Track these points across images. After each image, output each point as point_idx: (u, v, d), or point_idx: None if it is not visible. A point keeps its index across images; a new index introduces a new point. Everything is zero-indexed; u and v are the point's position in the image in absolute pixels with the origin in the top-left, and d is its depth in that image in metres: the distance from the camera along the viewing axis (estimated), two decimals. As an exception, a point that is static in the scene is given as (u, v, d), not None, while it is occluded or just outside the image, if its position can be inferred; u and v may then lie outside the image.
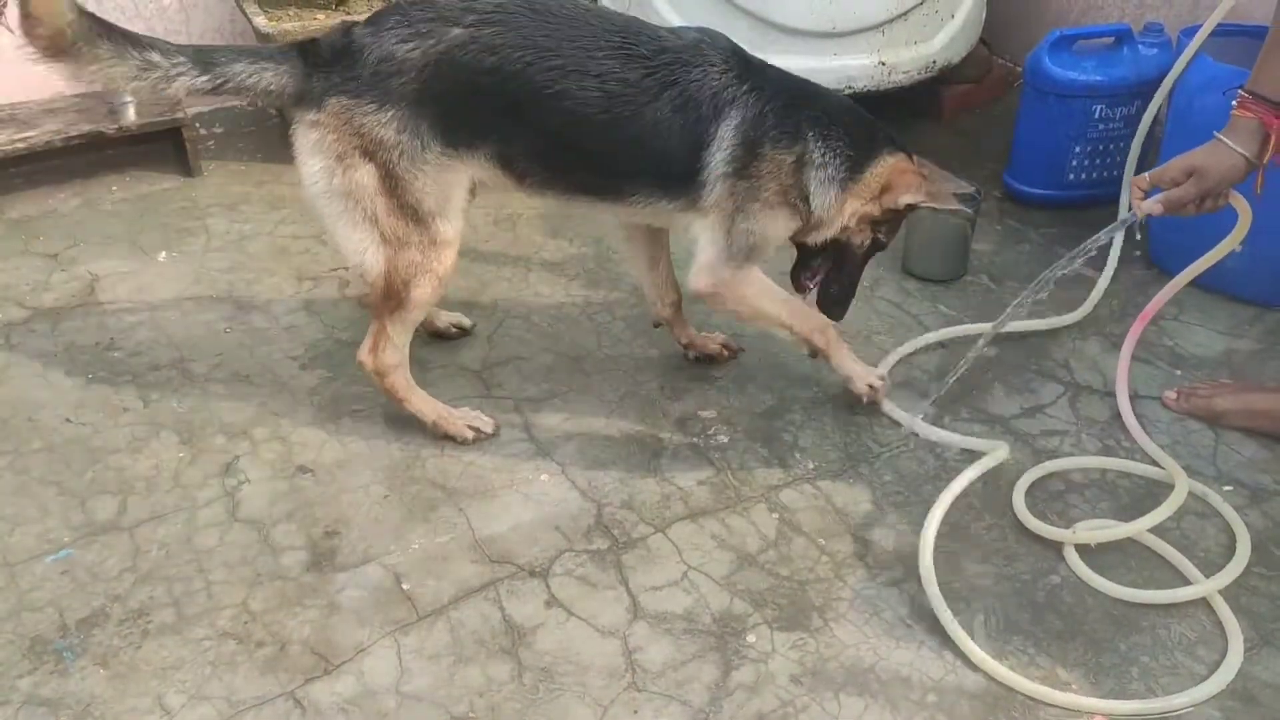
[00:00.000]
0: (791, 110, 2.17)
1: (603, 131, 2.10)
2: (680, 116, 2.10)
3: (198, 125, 3.60)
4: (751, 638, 1.90)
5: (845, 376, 2.40)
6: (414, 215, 2.11)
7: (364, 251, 2.14)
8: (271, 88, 2.05)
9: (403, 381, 2.31)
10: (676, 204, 2.20)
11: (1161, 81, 3.07)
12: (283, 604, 1.95)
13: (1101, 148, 3.15)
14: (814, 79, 3.25)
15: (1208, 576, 1.98)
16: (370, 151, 2.05)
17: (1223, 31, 2.82)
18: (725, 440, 2.35)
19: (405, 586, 1.99)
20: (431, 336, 2.63)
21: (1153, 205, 1.96)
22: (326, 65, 2.05)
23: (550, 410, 2.43)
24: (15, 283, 2.86)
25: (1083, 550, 2.05)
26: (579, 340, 2.67)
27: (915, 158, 2.27)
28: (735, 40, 3.25)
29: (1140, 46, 3.10)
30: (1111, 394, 2.45)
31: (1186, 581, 1.99)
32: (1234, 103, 1.94)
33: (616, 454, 2.31)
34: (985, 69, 3.83)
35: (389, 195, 2.08)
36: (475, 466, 2.27)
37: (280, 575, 2.01)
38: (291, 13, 3.40)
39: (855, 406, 2.43)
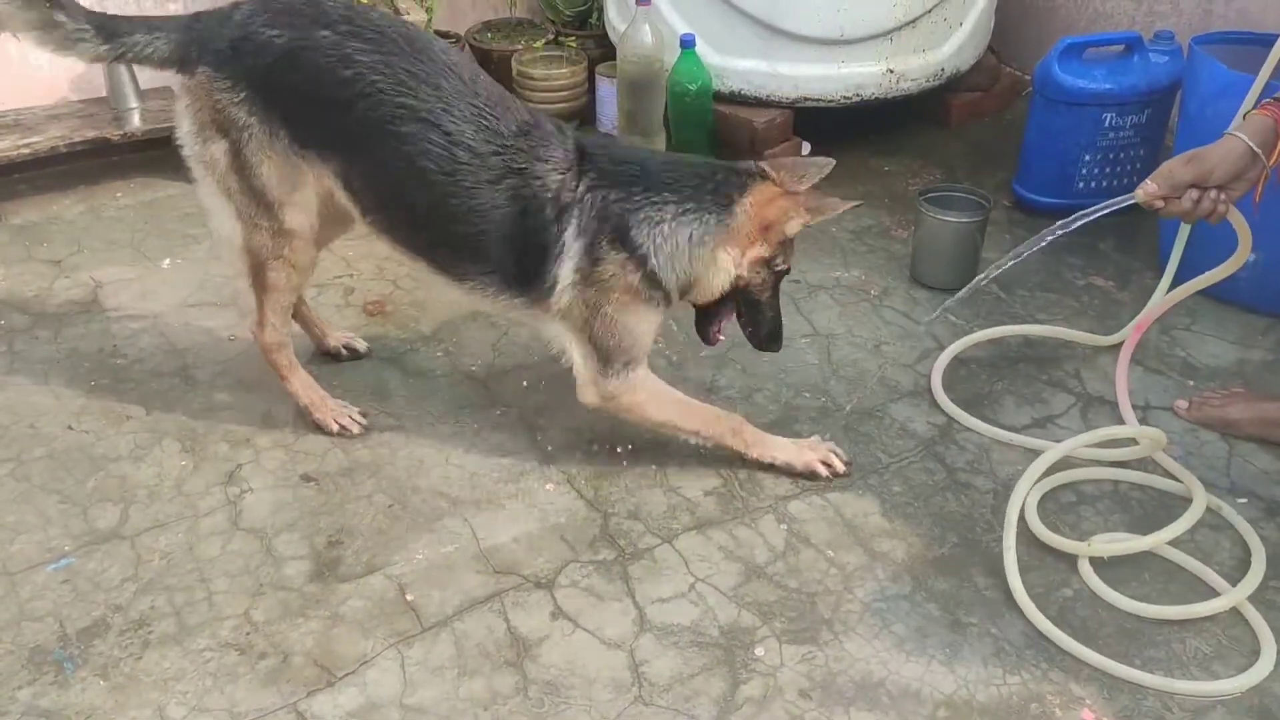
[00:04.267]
0: (620, 199, 2.05)
1: (439, 193, 2.02)
2: (517, 208, 2.02)
3: (203, 131, 3.59)
4: (760, 650, 1.87)
5: (785, 464, 2.23)
6: (262, 199, 2.10)
7: (223, 223, 2.16)
8: (164, 54, 2.07)
9: (284, 360, 2.32)
10: (522, 300, 2.13)
11: (1172, 89, 3.05)
12: (285, 614, 1.93)
13: (1111, 156, 3.12)
14: (821, 87, 3.33)
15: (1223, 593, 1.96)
16: (223, 127, 2.05)
17: (1235, 39, 2.80)
18: (733, 450, 2.33)
19: (409, 597, 1.97)
20: (323, 356, 2.59)
21: (1148, 185, 1.88)
22: (204, 34, 2.06)
23: (556, 419, 2.41)
24: (19, 289, 2.85)
25: (1096, 563, 2.02)
26: (585, 348, 2.65)
27: (772, 171, 2.10)
28: (742, 46, 3.29)
29: (1151, 54, 3.08)
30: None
31: (1201, 596, 1.96)
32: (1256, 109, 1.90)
33: (622, 464, 2.29)
34: (994, 77, 3.81)
35: (239, 174, 2.08)
36: (480, 475, 2.25)
37: (283, 585, 1.99)
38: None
39: (863, 420, 2.41)
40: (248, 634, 1.89)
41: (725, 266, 2.10)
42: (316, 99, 2.02)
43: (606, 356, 2.13)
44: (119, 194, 3.32)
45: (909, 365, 2.59)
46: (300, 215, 2.13)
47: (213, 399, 2.46)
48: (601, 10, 3.77)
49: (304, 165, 2.08)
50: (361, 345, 2.61)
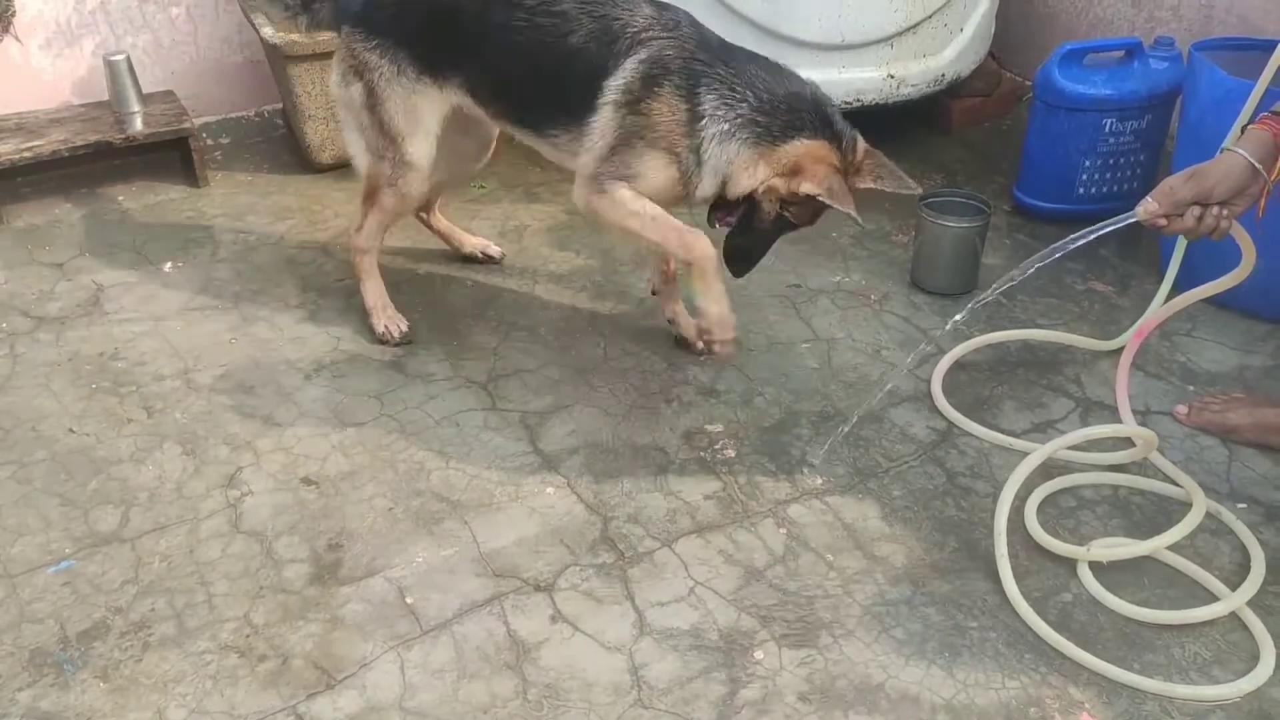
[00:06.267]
0: (707, 62, 2.23)
1: (528, 58, 2.29)
2: (594, 46, 2.24)
3: (204, 136, 3.60)
4: (759, 654, 1.88)
5: (704, 313, 2.29)
6: (388, 133, 2.48)
7: (356, 155, 2.61)
8: (324, 20, 2.59)
9: (366, 264, 2.69)
10: (570, 134, 2.32)
11: (1172, 95, 3.05)
12: (285, 617, 1.93)
13: (1112, 162, 3.13)
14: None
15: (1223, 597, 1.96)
16: (360, 71, 2.47)
17: (1236, 45, 2.81)
18: (732, 454, 2.33)
19: (409, 600, 1.97)
20: (463, 260, 2.98)
21: (1149, 203, 1.87)
22: (344, 1, 2.51)
23: (556, 423, 2.41)
24: (21, 292, 2.85)
25: (1095, 568, 2.02)
26: (585, 352, 2.65)
27: (862, 152, 2.25)
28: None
29: (1151, 60, 3.08)
30: (1123, 410, 2.43)
31: (1200, 601, 1.96)
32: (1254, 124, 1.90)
33: (623, 467, 2.29)
34: (994, 82, 3.82)
35: (371, 111, 2.48)
36: (480, 479, 2.25)
37: (283, 588, 1.99)
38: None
39: (864, 424, 2.41)
40: (248, 636, 1.90)
41: (758, 176, 2.24)
42: (442, 25, 2.38)
43: (611, 171, 2.28)
44: (121, 198, 3.33)
45: (909, 370, 2.59)
46: (420, 146, 2.49)
47: (213, 402, 2.46)
48: (603, 15, 3.78)
49: (432, 91, 2.43)
50: (496, 251, 3.00)
